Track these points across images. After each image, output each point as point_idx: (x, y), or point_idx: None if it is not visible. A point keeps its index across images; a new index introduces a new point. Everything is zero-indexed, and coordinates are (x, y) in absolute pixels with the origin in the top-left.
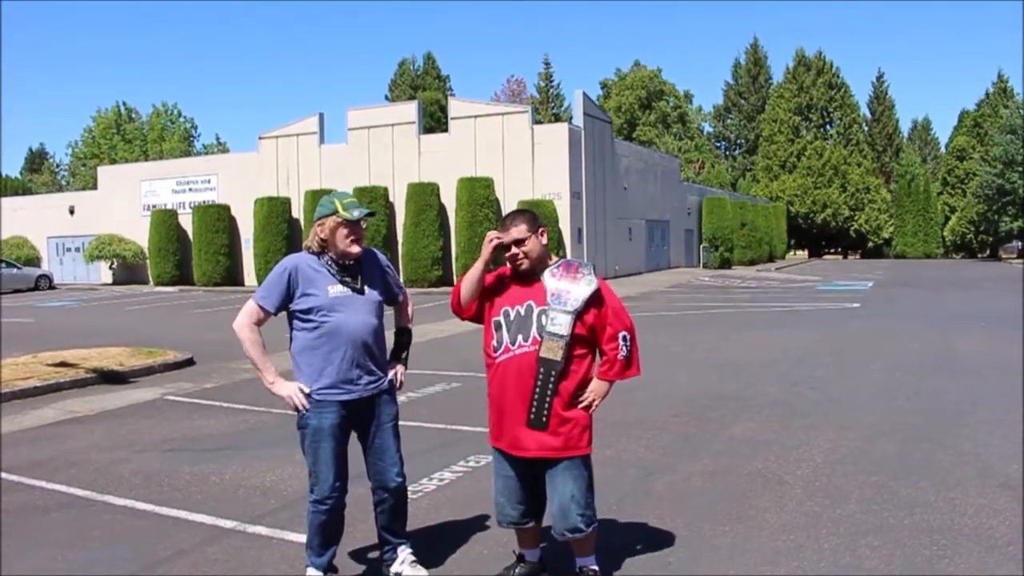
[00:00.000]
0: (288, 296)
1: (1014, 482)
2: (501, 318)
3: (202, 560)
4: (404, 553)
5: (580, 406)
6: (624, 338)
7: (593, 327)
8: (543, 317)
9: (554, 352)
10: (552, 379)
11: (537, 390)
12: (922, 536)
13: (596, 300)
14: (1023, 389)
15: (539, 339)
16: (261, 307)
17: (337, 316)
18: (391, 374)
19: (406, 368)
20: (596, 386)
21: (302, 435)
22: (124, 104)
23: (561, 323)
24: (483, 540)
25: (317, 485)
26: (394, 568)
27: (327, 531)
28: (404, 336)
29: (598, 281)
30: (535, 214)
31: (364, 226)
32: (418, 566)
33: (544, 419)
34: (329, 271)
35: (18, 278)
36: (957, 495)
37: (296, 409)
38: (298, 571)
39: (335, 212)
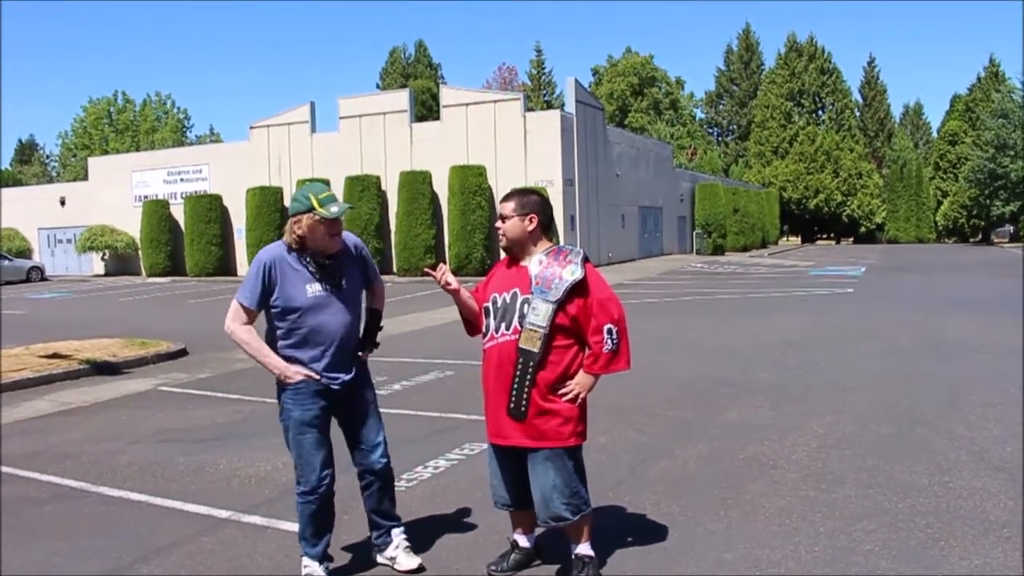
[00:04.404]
0: (267, 293)
1: (1008, 465)
2: (490, 304)
3: (197, 550)
4: (398, 538)
5: (564, 399)
6: (610, 331)
7: (577, 318)
8: (526, 306)
9: (533, 343)
10: (530, 370)
11: (516, 380)
12: (917, 519)
13: (580, 290)
14: None
15: (520, 328)
16: (244, 307)
17: (317, 317)
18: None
19: (375, 348)
20: (580, 379)
21: (285, 428)
22: (124, 94)
23: (541, 312)
24: (478, 528)
25: (304, 477)
26: (388, 553)
27: (319, 521)
28: (374, 318)
29: (584, 270)
30: (538, 200)
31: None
32: (412, 552)
33: (523, 409)
34: (308, 269)
35: (9, 270)
36: (951, 478)
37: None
38: (293, 560)
39: (311, 209)
